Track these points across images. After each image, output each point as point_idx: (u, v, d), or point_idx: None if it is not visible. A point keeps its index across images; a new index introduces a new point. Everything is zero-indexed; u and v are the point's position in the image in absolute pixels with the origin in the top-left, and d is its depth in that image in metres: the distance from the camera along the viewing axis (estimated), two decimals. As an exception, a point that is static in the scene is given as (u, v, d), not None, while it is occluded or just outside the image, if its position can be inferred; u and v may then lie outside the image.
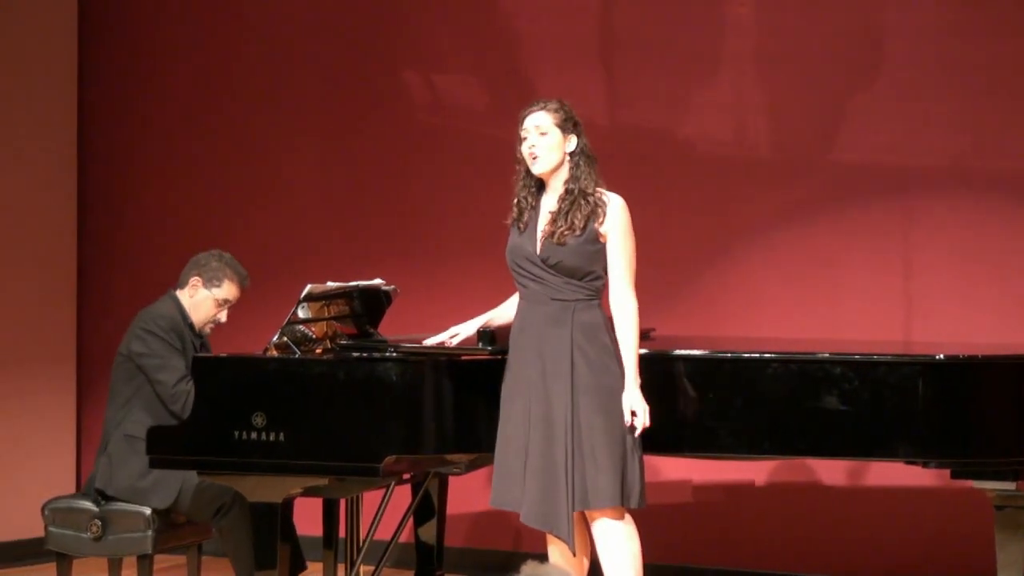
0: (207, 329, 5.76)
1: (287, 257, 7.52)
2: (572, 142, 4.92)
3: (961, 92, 6.43)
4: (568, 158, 4.91)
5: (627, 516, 4.85)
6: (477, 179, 6.91)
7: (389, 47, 7.44)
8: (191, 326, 5.72)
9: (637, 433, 4.79)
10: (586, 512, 4.83)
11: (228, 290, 5.73)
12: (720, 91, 6.83)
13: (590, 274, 4.86)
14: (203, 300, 5.72)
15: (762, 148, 6.79)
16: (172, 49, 7.89)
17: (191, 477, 5.48)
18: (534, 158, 4.90)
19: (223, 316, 5.77)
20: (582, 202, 4.86)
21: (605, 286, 4.91)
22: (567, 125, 4.91)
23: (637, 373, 4.83)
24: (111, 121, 7.93)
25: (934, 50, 6.47)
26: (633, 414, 4.79)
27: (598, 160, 4.96)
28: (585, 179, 4.88)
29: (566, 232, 4.83)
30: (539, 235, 4.89)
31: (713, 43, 6.84)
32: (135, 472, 5.55)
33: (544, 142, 4.89)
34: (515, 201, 4.99)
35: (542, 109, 4.92)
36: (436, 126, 7.37)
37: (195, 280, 5.72)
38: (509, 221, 5.00)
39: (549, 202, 4.94)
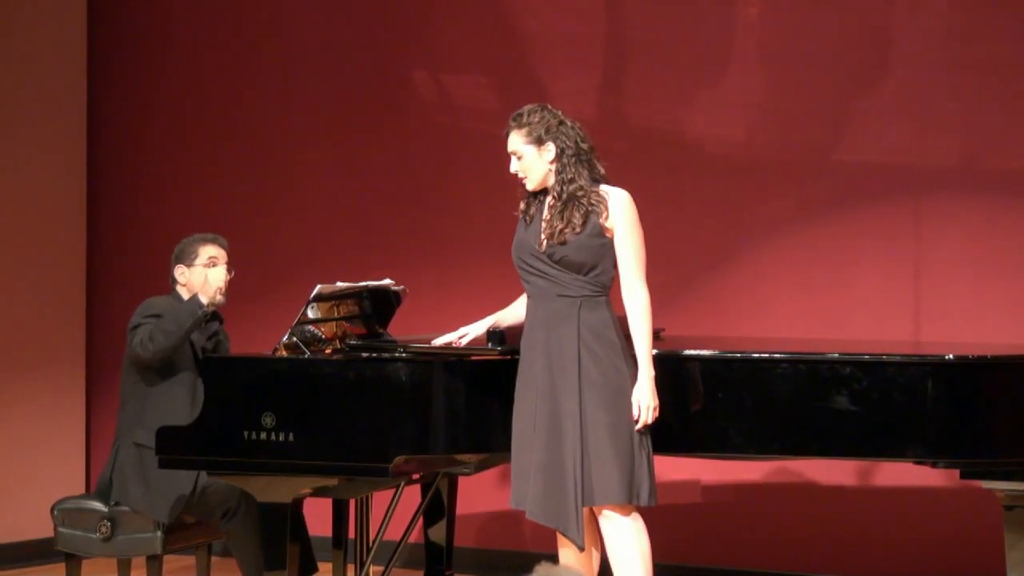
0: (219, 297, 5.66)
1: (297, 257, 7.53)
2: (549, 151, 4.89)
3: (970, 92, 6.42)
4: (555, 163, 4.89)
5: (636, 515, 4.84)
6: (487, 179, 6.90)
7: (400, 47, 7.44)
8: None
9: (637, 428, 4.79)
10: (596, 509, 4.83)
11: (207, 252, 5.70)
12: (729, 91, 6.82)
13: (595, 269, 4.85)
14: (195, 275, 5.68)
15: (771, 148, 6.79)
16: (182, 51, 7.90)
17: (189, 481, 5.49)
18: (522, 180, 4.93)
19: (223, 273, 5.68)
20: (577, 201, 4.84)
21: (613, 282, 4.90)
22: (539, 137, 4.89)
23: (650, 366, 4.83)
24: (121, 123, 7.95)
25: (942, 50, 6.47)
26: (639, 407, 4.79)
27: (594, 150, 4.92)
28: (574, 180, 4.85)
29: (565, 230, 4.83)
30: (542, 232, 4.89)
31: (722, 43, 6.84)
32: (145, 484, 5.55)
33: (522, 165, 4.91)
34: (525, 196, 4.99)
35: (514, 129, 4.92)
36: (447, 126, 7.38)
37: (179, 269, 5.73)
38: (518, 212, 5.00)
39: (545, 210, 4.94)
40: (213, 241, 5.77)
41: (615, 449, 4.76)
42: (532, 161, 4.89)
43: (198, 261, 5.70)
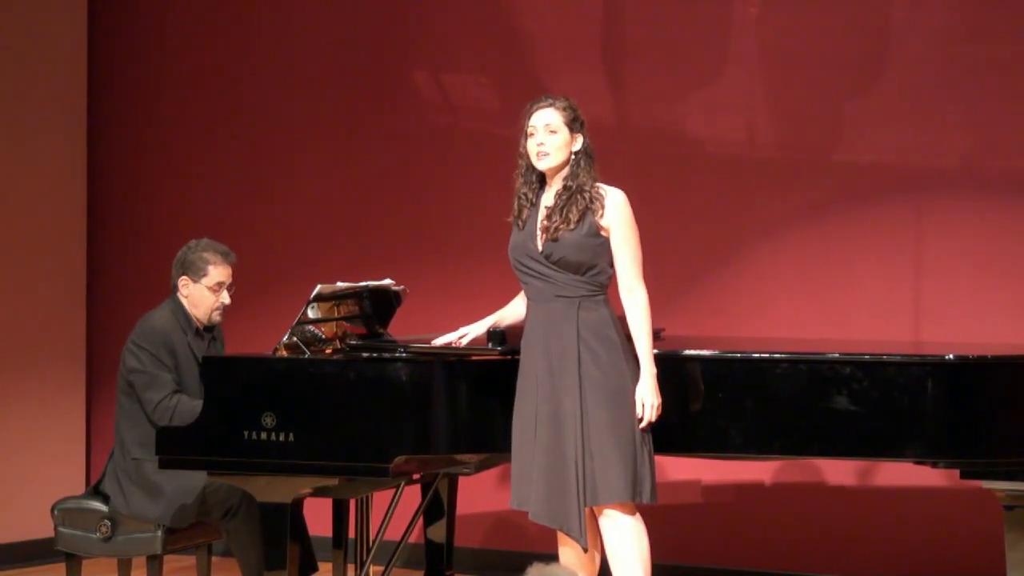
0: (216, 316, 5.74)
1: (297, 257, 7.53)
2: (578, 142, 4.92)
3: (971, 92, 6.42)
4: (572, 156, 4.92)
5: (637, 514, 4.85)
6: (487, 179, 6.91)
7: (399, 47, 7.45)
8: (197, 330, 5.71)
9: (641, 427, 4.79)
10: (595, 509, 4.83)
11: (216, 274, 5.70)
12: (729, 91, 6.83)
13: (593, 269, 4.86)
14: (198, 293, 5.71)
15: (771, 148, 6.79)
16: (182, 49, 7.90)
17: (196, 488, 5.50)
18: (542, 155, 4.91)
19: (226, 298, 5.74)
20: (578, 197, 4.86)
21: (611, 281, 4.91)
22: (575, 124, 4.92)
23: (651, 363, 4.84)
24: (121, 122, 7.95)
25: (944, 50, 6.47)
26: (642, 406, 4.79)
27: (597, 159, 4.96)
28: (584, 176, 4.89)
29: (561, 226, 4.84)
30: (539, 232, 4.90)
31: (722, 43, 6.84)
32: (148, 494, 5.55)
33: (553, 140, 4.90)
34: (515, 199, 5.00)
35: (551, 106, 4.92)
36: (446, 126, 7.38)
37: (183, 280, 5.71)
38: (510, 218, 5.01)
39: (548, 199, 4.95)
40: (224, 259, 5.74)
41: (618, 447, 4.76)
42: (562, 143, 4.90)
43: (205, 281, 5.70)
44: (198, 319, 5.72)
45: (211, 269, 5.70)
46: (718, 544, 6.78)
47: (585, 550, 4.86)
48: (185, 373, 5.60)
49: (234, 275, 5.77)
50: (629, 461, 4.77)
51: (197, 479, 5.44)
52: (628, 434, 4.78)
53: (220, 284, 5.72)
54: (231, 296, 5.76)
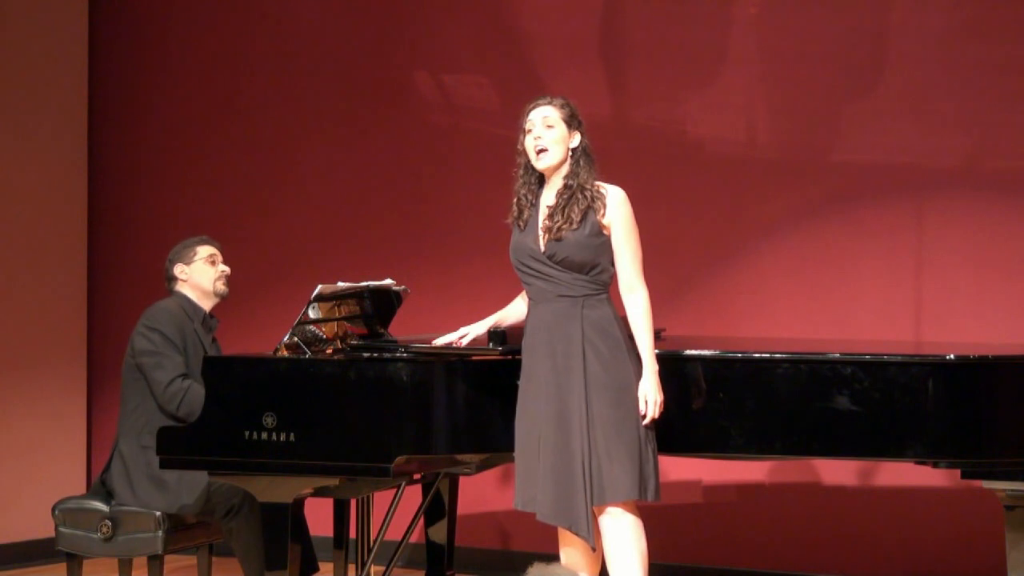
0: (220, 286, 5.79)
1: (298, 257, 7.53)
2: (576, 139, 4.94)
3: (971, 92, 6.42)
4: (570, 154, 4.93)
5: (637, 513, 4.85)
6: (487, 179, 6.91)
7: (400, 47, 7.45)
8: (203, 318, 5.73)
9: (645, 423, 4.80)
10: (596, 507, 4.83)
11: (204, 250, 5.82)
12: (730, 91, 6.83)
13: (596, 267, 4.86)
14: (196, 271, 5.79)
15: (772, 148, 6.79)
16: (182, 49, 7.90)
17: (202, 479, 5.49)
18: (540, 152, 4.91)
19: (224, 267, 5.83)
20: (579, 196, 4.87)
21: (613, 280, 4.91)
22: (572, 122, 4.94)
23: (653, 360, 4.84)
24: (122, 122, 7.95)
25: (944, 50, 6.47)
26: (645, 402, 4.80)
27: (597, 160, 4.97)
28: (584, 175, 4.90)
29: (563, 226, 4.84)
30: (540, 232, 4.90)
31: (722, 43, 6.84)
32: (155, 483, 5.56)
33: (550, 135, 4.91)
34: (515, 199, 5.00)
35: (548, 103, 4.94)
36: (447, 126, 7.38)
37: (179, 268, 5.80)
38: (509, 220, 5.01)
39: (548, 198, 4.95)
40: (208, 242, 5.86)
41: (624, 446, 4.76)
42: (560, 138, 4.91)
43: (198, 258, 5.77)
44: (204, 293, 5.76)
45: (198, 248, 5.82)
46: (718, 544, 6.78)
47: (593, 549, 4.86)
48: (193, 362, 5.61)
49: (224, 258, 5.86)
50: (635, 459, 4.77)
51: (202, 472, 5.45)
52: (633, 432, 4.79)
53: (212, 256, 5.82)
54: (228, 285, 5.83)
